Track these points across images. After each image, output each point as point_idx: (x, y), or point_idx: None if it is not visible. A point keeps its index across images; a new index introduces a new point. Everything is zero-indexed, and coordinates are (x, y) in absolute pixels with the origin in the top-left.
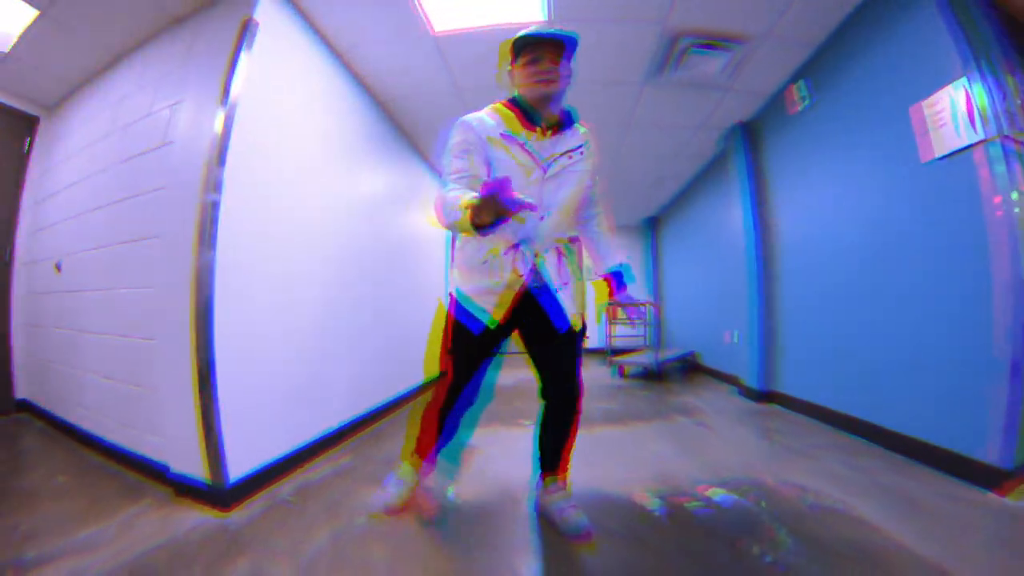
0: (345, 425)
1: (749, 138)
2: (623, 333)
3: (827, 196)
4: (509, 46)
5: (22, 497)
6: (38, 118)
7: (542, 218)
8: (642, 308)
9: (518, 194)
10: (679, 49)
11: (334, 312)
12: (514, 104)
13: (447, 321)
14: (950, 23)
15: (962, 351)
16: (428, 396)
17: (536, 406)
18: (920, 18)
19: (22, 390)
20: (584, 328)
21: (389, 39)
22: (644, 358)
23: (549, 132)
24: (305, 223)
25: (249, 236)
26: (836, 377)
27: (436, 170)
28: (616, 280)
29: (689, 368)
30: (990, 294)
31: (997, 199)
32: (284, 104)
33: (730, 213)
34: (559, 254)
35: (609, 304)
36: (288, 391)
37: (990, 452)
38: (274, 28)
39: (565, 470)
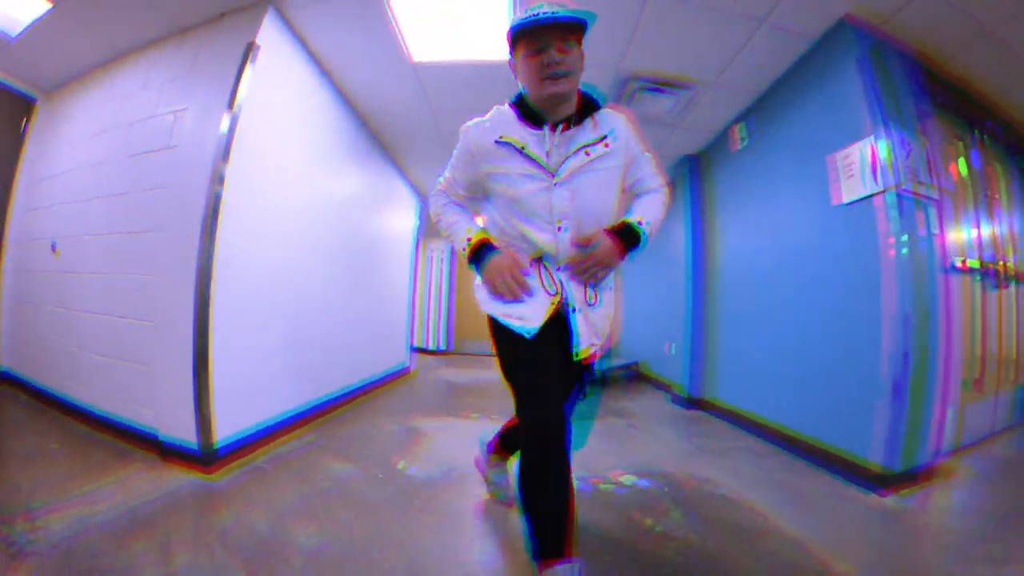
0: (317, 404)
1: (697, 169)
2: None
3: (759, 225)
4: (510, 32)
5: (19, 461)
6: (36, 101)
7: (560, 229)
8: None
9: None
10: (631, 90)
11: (311, 301)
12: (516, 104)
13: (497, 340)
14: (866, 84)
15: (857, 370)
16: None
17: (489, 401)
18: (842, 78)
19: (5, 362)
20: (592, 365)
21: (373, 63)
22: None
23: (560, 128)
24: (292, 220)
25: (245, 230)
26: (757, 387)
27: (408, 179)
28: (615, 236)
29: (634, 376)
30: (879, 323)
31: (890, 240)
32: (279, 114)
33: (677, 235)
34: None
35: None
36: (269, 371)
37: (876, 457)
38: (274, 48)
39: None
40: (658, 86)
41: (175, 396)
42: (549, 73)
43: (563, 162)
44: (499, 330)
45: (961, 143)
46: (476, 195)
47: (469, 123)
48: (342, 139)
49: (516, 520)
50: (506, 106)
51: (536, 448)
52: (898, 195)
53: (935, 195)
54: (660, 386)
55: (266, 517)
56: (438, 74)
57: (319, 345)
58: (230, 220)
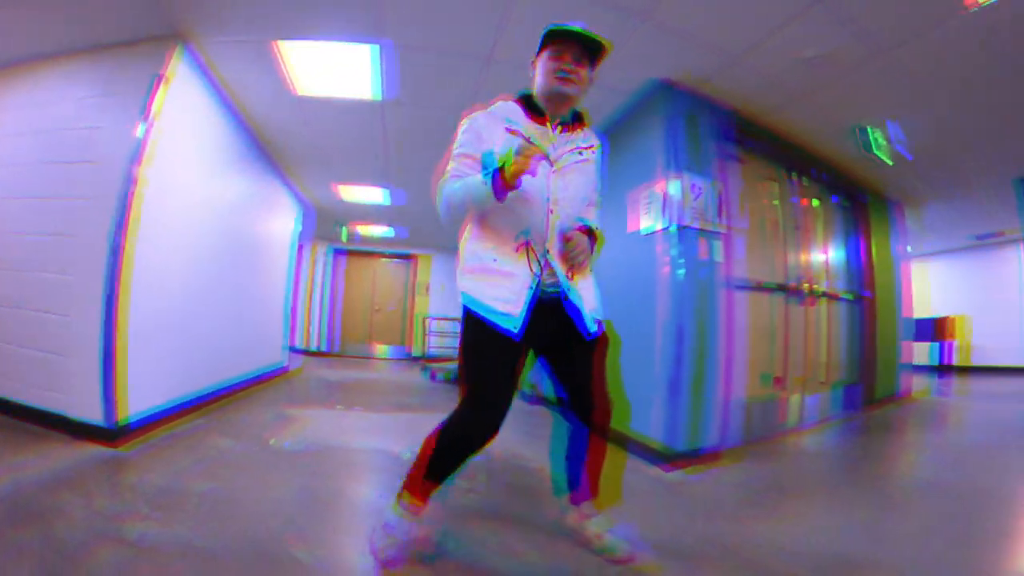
0: (205, 394)
1: None
2: (436, 343)
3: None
4: (546, 33)
5: None
6: None
7: (551, 211)
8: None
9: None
10: None
11: (201, 299)
12: (521, 100)
13: (467, 332)
14: (667, 136)
15: (642, 367)
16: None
17: (356, 396)
18: (649, 129)
19: None
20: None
21: (266, 93)
22: (452, 365)
23: (559, 128)
24: (190, 225)
25: (151, 234)
26: None
27: (294, 188)
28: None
29: None
30: (655, 331)
31: (667, 263)
32: (183, 130)
33: None
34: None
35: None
36: (167, 362)
37: (659, 438)
38: (182, 72)
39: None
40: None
41: (87, 382)
42: (562, 74)
43: (561, 156)
44: (473, 320)
45: (777, 184)
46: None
47: (475, 112)
48: (235, 153)
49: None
50: (510, 101)
51: (462, 447)
52: (680, 228)
53: (721, 230)
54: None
55: (165, 475)
56: (317, 105)
57: (206, 341)
58: (139, 225)
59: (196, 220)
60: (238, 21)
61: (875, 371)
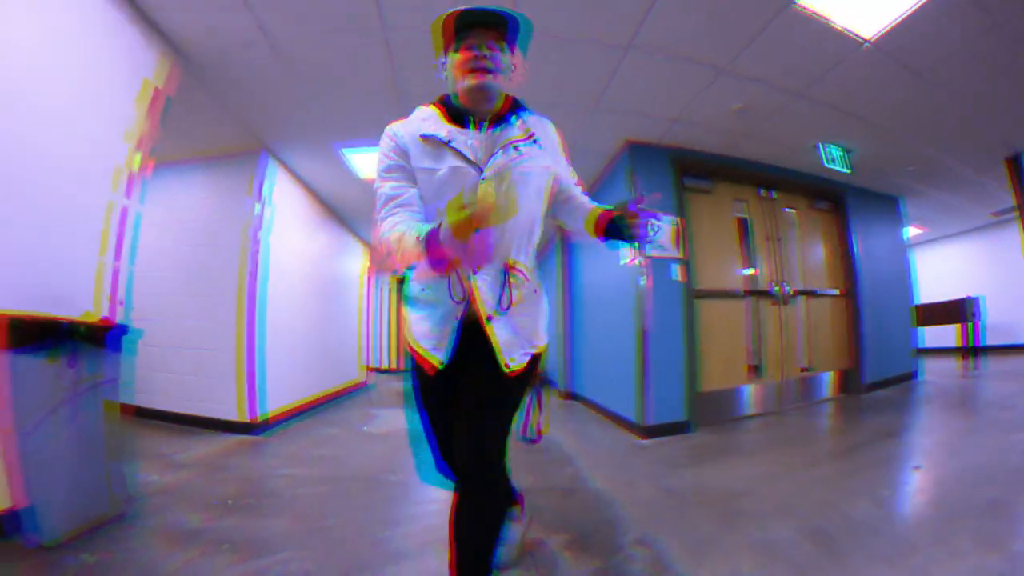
0: (307, 402)
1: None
2: None
3: (594, 273)
4: (440, 27)
5: (157, 439)
6: None
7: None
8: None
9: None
10: None
11: (302, 330)
12: (439, 103)
13: (412, 372)
14: (633, 187)
15: (624, 364)
16: None
17: None
18: (619, 181)
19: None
20: (526, 374)
21: (332, 178)
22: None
23: (485, 126)
24: (294, 274)
25: (272, 279)
26: (590, 382)
27: (356, 236)
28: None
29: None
30: (632, 337)
31: (640, 283)
32: (282, 205)
33: (556, 268)
34: (508, 273)
35: (631, 222)
36: (285, 377)
37: (636, 419)
38: (277, 168)
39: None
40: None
41: (233, 393)
42: (473, 65)
43: (490, 158)
44: (413, 365)
45: (746, 202)
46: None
47: (390, 126)
48: (317, 217)
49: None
50: (428, 106)
51: (466, 497)
52: (642, 262)
53: (679, 256)
54: (551, 388)
55: (293, 448)
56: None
57: (307, 360)
58: (265, 274)
59: (296, 267)
60: (307, 135)
61: (861, 358)
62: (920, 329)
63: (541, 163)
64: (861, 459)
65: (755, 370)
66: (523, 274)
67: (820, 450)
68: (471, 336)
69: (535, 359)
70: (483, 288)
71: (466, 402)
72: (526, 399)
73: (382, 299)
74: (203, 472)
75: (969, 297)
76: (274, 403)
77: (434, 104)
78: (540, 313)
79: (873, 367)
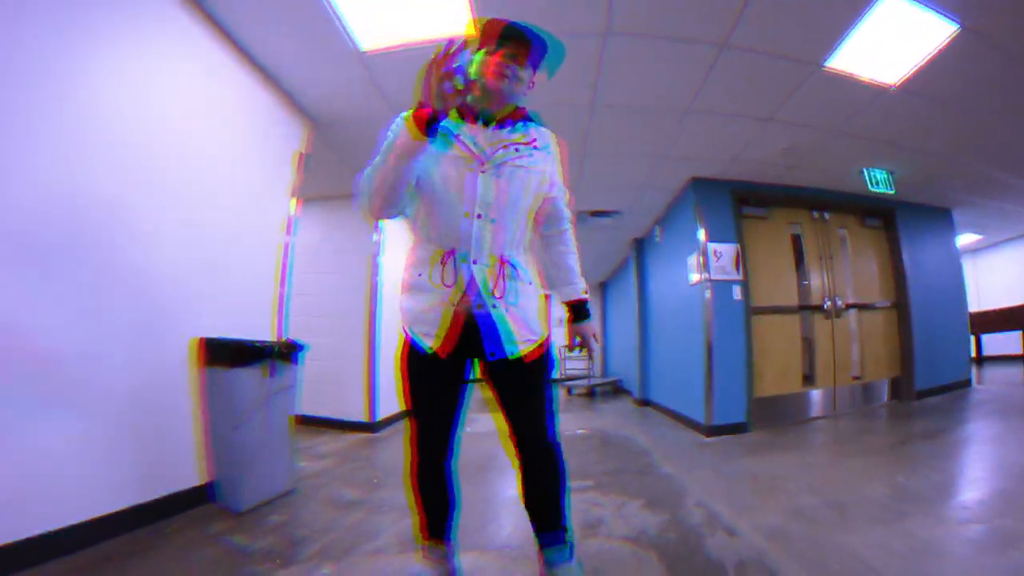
0: None
1: (640, 248)
2: (573, 365)
3: (665, 287)
4: (485, 27)
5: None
6: None
7: (479, 216)
8: (594, 344)
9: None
10: (583, 216)
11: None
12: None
13: (400, 358)
14: (700, 218)
15: (693, 373)
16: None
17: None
18: (688, 213)
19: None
20: (545, 357)
21: None
22: (583, 382)
23: (492, 123)
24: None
25: (384, 299)
26: (663, 389)
27: None
28: (576, 312)
29: (615, 389)
30: (702, 348)
31: (708, 304)
32: (392, 234)
33: (632, 289)
34: (501, 265)
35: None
36: (391, 382)
37: (703, 420)
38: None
39: (563, 526)
40: (599, 214)
41: (359, 399)
42: (500, 71)
43: (493, 153)
44: (404, 343)
45: (800, 226)
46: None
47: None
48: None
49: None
50: None
51: (421, 447)
52: (711, 281)
53: (739, 278)
54: (626, 395)
55: (400, 447)
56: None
57: None
58: (379, 294)
59: (397, 283)
60: None
61: (912, 366)
62: (981, 336)
63: (538, 166)
64: (892, 455)
65: (808, 378)
66: (514, 267)
67: (857, 447)
68: (468, 330)
69: (545, 352)
70: (477, 276)
71: (499, 390)
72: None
73: None
74: (342, 461)
75: None
76: (387, 408)
77: None
78: (534, 305)
79: (925, 375)
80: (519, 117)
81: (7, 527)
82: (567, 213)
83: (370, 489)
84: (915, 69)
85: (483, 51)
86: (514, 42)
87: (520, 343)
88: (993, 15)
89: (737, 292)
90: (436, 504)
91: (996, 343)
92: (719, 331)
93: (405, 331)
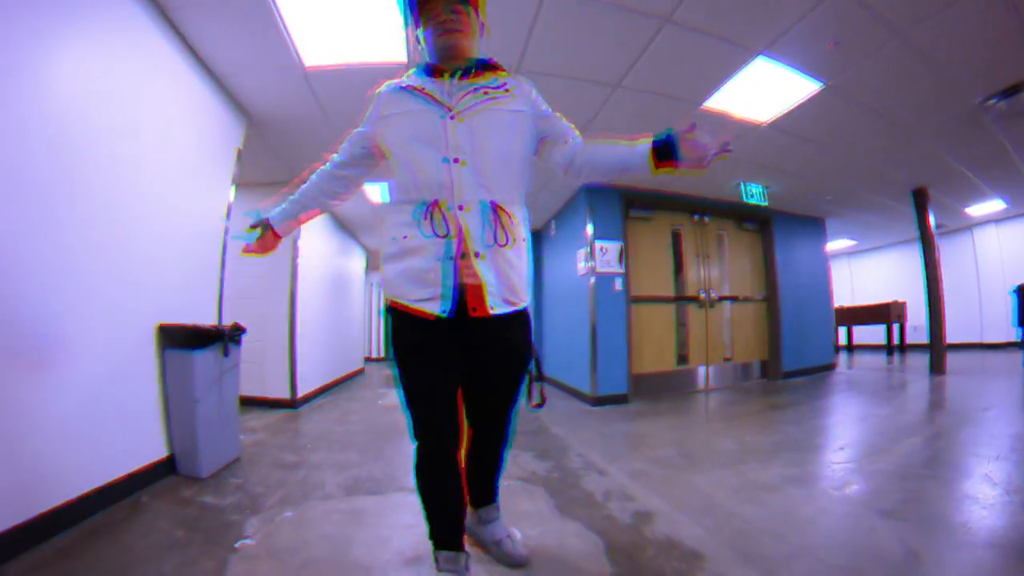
0: (329, 384)
1: (537, 239)
2: None
3: (557, 275)
4: (404, 4)
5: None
6: None
7: (456, 160)
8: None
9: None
10: None
11: (322, 326)
12: (422, 65)
13: (393, 335)
14: (588, 216)
15: (580, 349)
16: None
17: None
18: (580, 212)
19: None
20: (528, 331)
21: (351, 207)
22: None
23: (458, 75)
24: (316, 269)
25: (303, 279)
26: (557, 364)
27: (360, 243)
28: (668, 145)
29: None
30: (587, 328)
31: (593, 292)
32: (314, 221)
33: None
34: (493, 210)
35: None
36: (313, 366)
37: (590, 390)
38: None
39: (495, 496)
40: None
41: (280, 378)
42: (441, 28)
43: (462, 99)
44: (397, 316)
45: (681, 227)
46: (372, 156)
47: (381, 86)
48: (332, 228)
49: None
50: (414, 69)
51: (430, 467)
52: (596, 273)
53: (622, 271)
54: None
55: (323, 420)
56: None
57: (327, 350)
58: (298, 276)
59: (318, 269)
60: None
61: (780, 351)
62: (853, 327)
63: (511, 106)
64: (746, 421)
65: (683, 358)
66: (509, 215)
67: (719, 415)
68: (466, 285)
69: (525, 322)
70: (472, 224)
71: (479, 381)
72: (529, 370)
73: (372, 295)
74: (274, 433)
75: (896, 301)
76: (307, 385)
77: (417, 68)
78: (524, 265)
79: (791, 358)
80: (488, 68)
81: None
82: (581, 141)
83: (306, 454)
84: (783, 113)
85: (421, 27)
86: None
87: (500, 304)
88: (853, 78)
89: (619, 283)
90: (451, 504)
91: (866, 334)
92: (603, 316)
93: (397, 306)
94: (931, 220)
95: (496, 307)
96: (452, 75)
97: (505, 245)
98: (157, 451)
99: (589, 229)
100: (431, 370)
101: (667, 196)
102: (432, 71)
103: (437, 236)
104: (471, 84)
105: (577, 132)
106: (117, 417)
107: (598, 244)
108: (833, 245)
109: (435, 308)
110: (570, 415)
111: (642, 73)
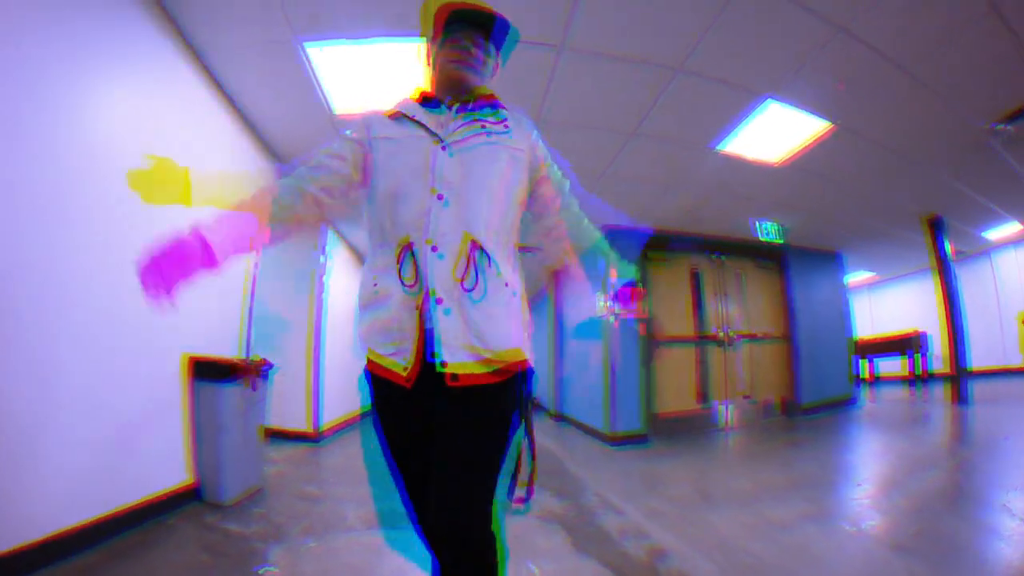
0: (350, 417)
1: (557, 278)
2: None
3: (576, 317)
4: (431, 15)
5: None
6: None
7: (439, 197)
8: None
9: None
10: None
11: (344, 355)
12: (419, 93)
13: (371, 399)
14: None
15: (599, 389)
16: None
17: None
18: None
19: None
20: (504, 388)
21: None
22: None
23: (456, 106)
24: (339, 306)
25: (330, 316)
26: (572, 403)
27: None
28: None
29: (533, 404)
30: (607, 372)
31: (613, 334)
32: (339, 260)
33: (548, 313)
34: (472, 249)
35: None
36: (333, 396)
37: (604, 428)
38: (333, 236)
39: None
40: (523, 249)
41: (302, 410)
42: (456, 57)
43: (456, 131)
44: (368, 373)
45: (698, 267)
46: (352, 176)
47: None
48: (355, 267)
49: None
50: (407, 98)
51: (413, 503)
52: (614, 316)
53: (640, 315)
54: (543, 410)
55: (344, 454)
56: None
57: (343, 385)
58: (326, 311)
59: (342, 304)
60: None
61: (796, 387)
62: (874, 359)
63: (508, 143)
64: (762, 458)
65: (703, 397)
66: (488, 257)
67: (736, 453)
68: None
69: (510, 384)
70: (444, 267)
71: (438, 451)
72: (517, 442)
73: None
74: (296, 465)
75: (916, 331)
76: (328, 417)
77: (411, 95)
78: (508, 313)
79: (810, 394)
80: (488, 100)
81: (16, 531)
82: (571, 200)
83: (328, 486)
84: (795, 153)
85: (438, 44)
86: (464, 24)
87: (463, 349)
88: (860, 115)
89: (637, 325)
90: None
91: (889, 365)
92: (623, 358)
93: (368, 364)
94: (946, 247)
95: (450, 363)
96: (451, 107)
97: (476, 291)
98: (182, 477)
99: (609, 271)
100: (400, 426)
101: (685, 237)
102: (429, 100)
103: (406, 285)
104: (469, 116)
105: (566, 187)
106: (145, 442)
107: (615, 290)
108: (853, 278)
109: (399, 359)
110: (588, 455)
111: (657, 120)
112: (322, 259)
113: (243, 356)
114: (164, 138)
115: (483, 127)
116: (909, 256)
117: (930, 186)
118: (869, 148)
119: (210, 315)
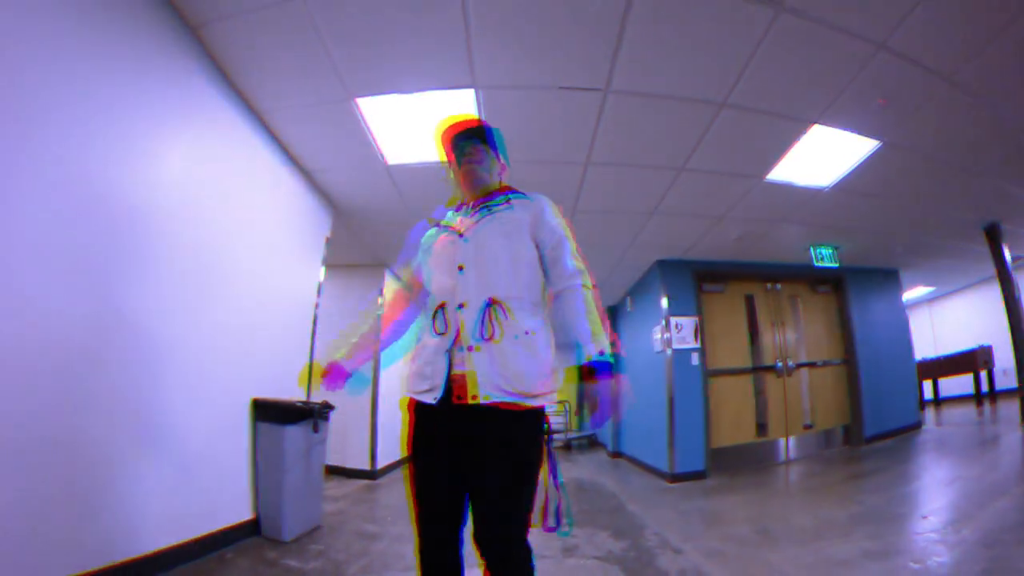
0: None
1: (613, 313)
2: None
3: (634, 351)
4: (440, 138)
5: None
6: None
7: (461, 268)
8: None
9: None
10: None
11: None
12: (454, 202)
13: (407, 428)
14: (664, 294)
15: (660, 426)
16: None
17: None
18: (655, 289)
19: None
20: (530, 422)
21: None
22: (560, 436)
23: (472, 203)
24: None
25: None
26: (633, 441)
27: None
28: (597, 370)
29: (591, 443)
30: (664, 404)
31: (670, 368)
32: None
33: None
34: (491, 304)
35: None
36: (388, 437)
37: (666, 468)
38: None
39: None
40: None
41: (362, 451)
42: (465, 160)
43: (470, 223)
44: (411, 419)
45: (754, 296)
46: (413, 287)
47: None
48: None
49: None
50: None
51: (423, 560)
52: (673, 349)
53: (698, 346)
54: (602, 448)
55: (401, 492)
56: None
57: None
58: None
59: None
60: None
61: (861, 414)
62: (938, 380)
63: (512, 215)
64: (824, 492)
65: (762, 429)
66: (505, 311)
67: (797, 487)
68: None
69: (534, 419)
70: (467, 319)
71: (474, 479)
72: (544, 476)
73: None
74: (354, 503)
75: (981, 346)
76: (385, 459)
77: (447, 203)
78: (529, 357)
79: (874, 422)
80: (501, 192)
81: (100, 552)
82: (572, 267)
83: (386, 525)
84: (844, 176)
85: (455, 165)
86: (461, 137)
87: (495, 394)
88: (908, 129)
89: (695, 358)
90: None
91: (954, 385)
92: (680, 392)
93: (409, 404)
94: (1006, 254)
95: (489, 396)
96: (470, 205)
97: (493, 339)
98: (243, 513)
99: (664, 303)
100: (429, 460)
101: (738, 264)
102: (458, 204)
103: (439, 334)
104: (482, 207)
105: (577, 263)
106: (210, 479)
107: (673, 320)
108: (910, 294)
109: (429, 399)
110: (646, 492)
111: (704, 155)
112: (380, 299)
113: (306, 399)
114: (233, 195)
115: (491, 211)
116: (968, 268)
117: (985, 194)
118: (919, 162)
119: (279, 359)
